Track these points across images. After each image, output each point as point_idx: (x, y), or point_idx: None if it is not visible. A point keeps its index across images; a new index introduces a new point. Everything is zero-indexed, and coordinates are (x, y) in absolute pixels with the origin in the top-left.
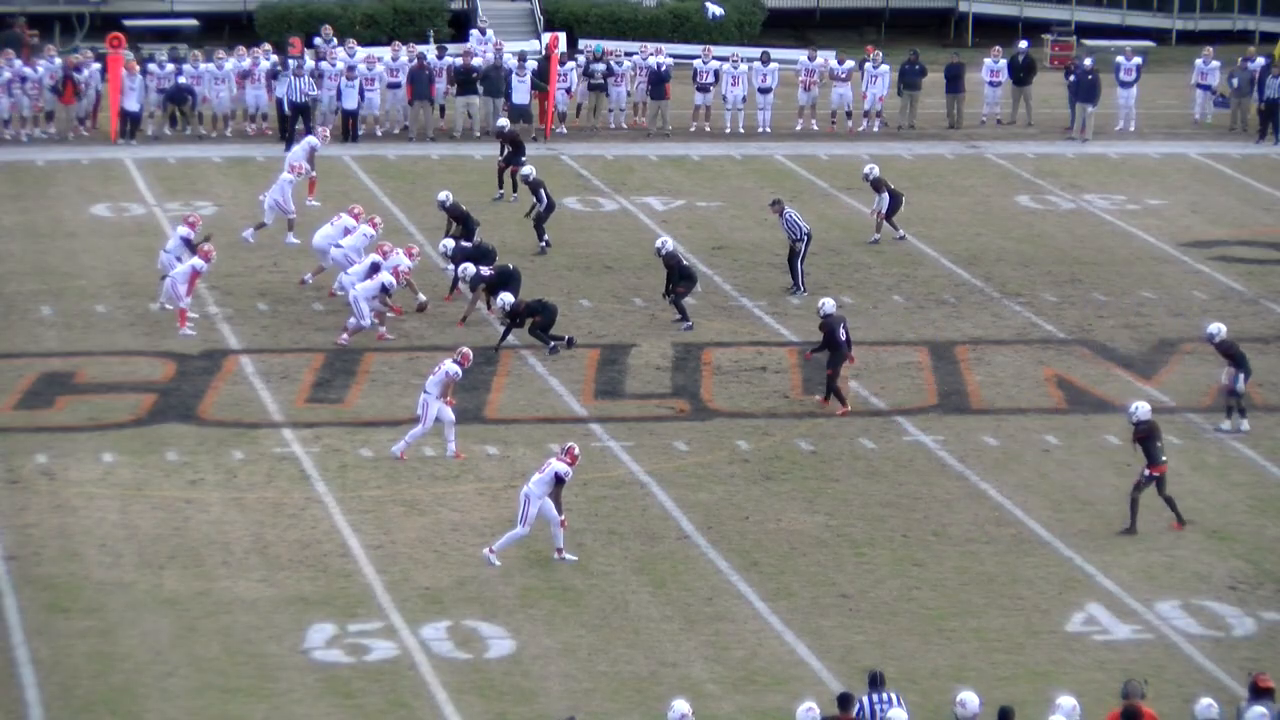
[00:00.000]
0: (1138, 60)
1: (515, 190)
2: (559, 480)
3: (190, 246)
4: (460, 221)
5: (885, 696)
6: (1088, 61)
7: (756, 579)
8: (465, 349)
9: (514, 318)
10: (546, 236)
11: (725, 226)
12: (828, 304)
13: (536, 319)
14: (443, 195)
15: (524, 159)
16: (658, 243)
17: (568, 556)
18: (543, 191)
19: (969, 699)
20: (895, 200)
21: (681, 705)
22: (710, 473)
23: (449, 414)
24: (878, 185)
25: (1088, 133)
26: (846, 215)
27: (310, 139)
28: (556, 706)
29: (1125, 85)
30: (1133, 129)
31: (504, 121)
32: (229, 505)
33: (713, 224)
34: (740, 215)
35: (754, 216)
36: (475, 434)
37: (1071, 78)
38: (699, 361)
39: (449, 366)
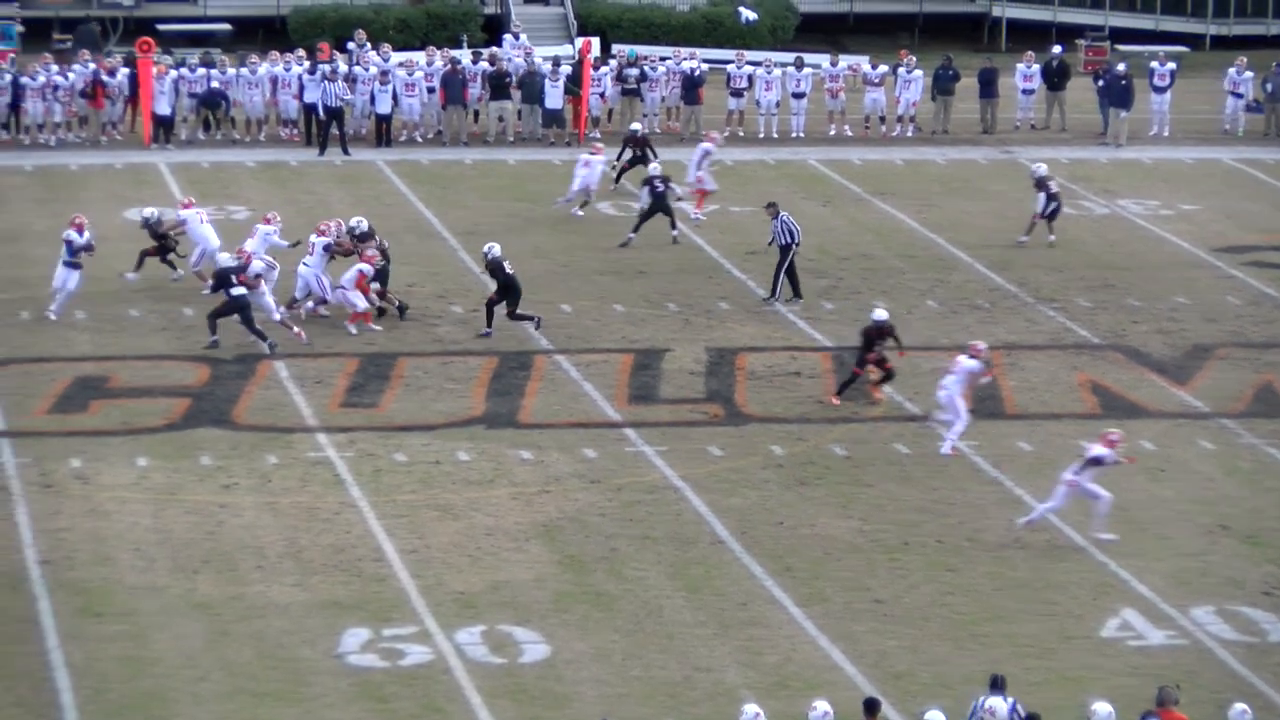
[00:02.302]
0: (1172, 65)
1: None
2: (1097, 462)
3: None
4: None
5: (987, 703)
6: (1120, 66)
7: (790, 584)
8: (979, 343)
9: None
10: (634, 236)
11: (758, 231)
12: (879, 312)
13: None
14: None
15: (654, 157)
16: (485, 248)
17: (1105, 536)
18: (649, 189)
19: (997, 706)
20: (1055, 204)
21: (752, 708)
22: (744, 478)
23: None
24: (1040, 184)
25: (1122, 138)
26: (879, 220)
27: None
28: (590, 712)
29: (1159, 90)
30: (1166, 134)
31: (636, 125)
32: (262, 510)
33: (746, 229)
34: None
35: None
36: (508, 439)
37: (1101, 82)
38: (733, 366)
39: (969, 364)
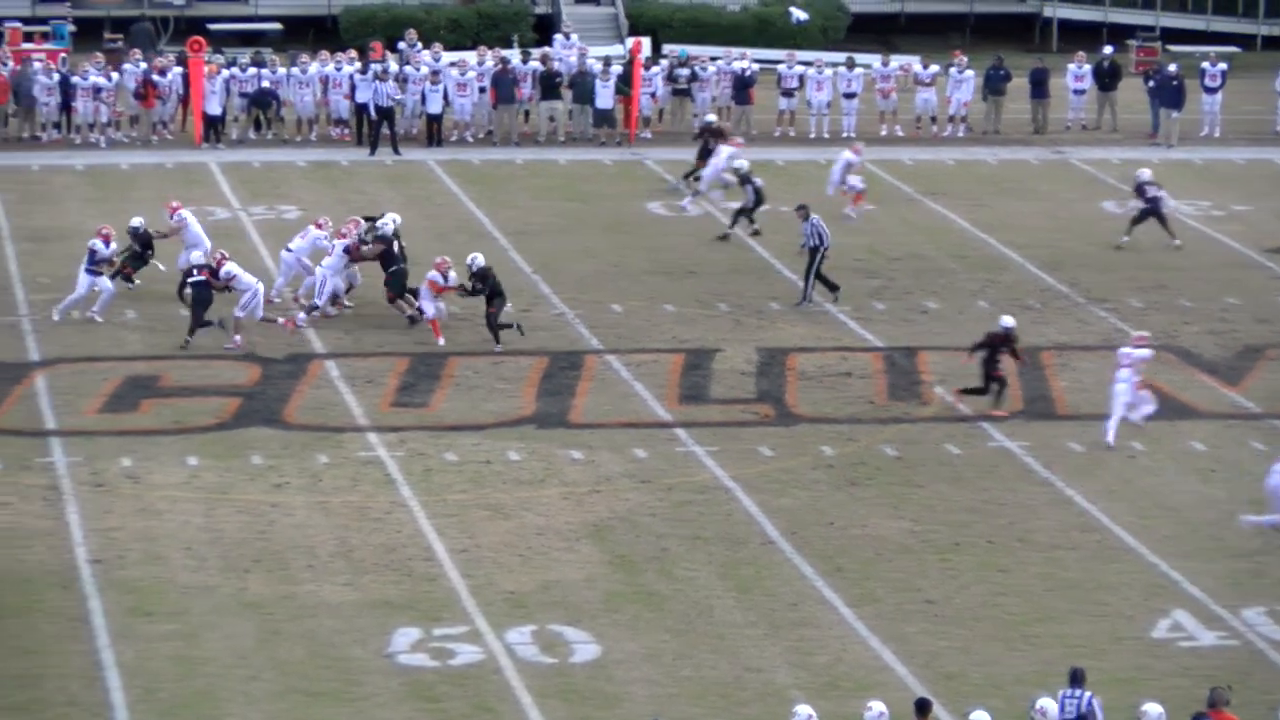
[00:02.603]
0: (1223, 66)
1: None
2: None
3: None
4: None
5: (1078, 693)
6: (1172, 67)
7: (840, 584)
8: (1142, 332)
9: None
10: (756, 225)
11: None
12: (1007, 320)
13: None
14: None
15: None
16: (469, 259)
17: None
18: (750, 186)
19: (1048, 706)
20: (1150, 207)
21: (804, 709)
22: (794, 478)
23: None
24: (1139, 190)
25: (1173, 139)
26: (930, 220)
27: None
28: (640, 712)
29: (1210, 91)
30: (1218, 135)
31: (712, 117)
32: (313, 509)
33: (797, 229)
34: (825, 221)
35: (837, 221)
36: (559, 439)
37: (1151, 83)
38: (783, 367)
39: (1140, 353)
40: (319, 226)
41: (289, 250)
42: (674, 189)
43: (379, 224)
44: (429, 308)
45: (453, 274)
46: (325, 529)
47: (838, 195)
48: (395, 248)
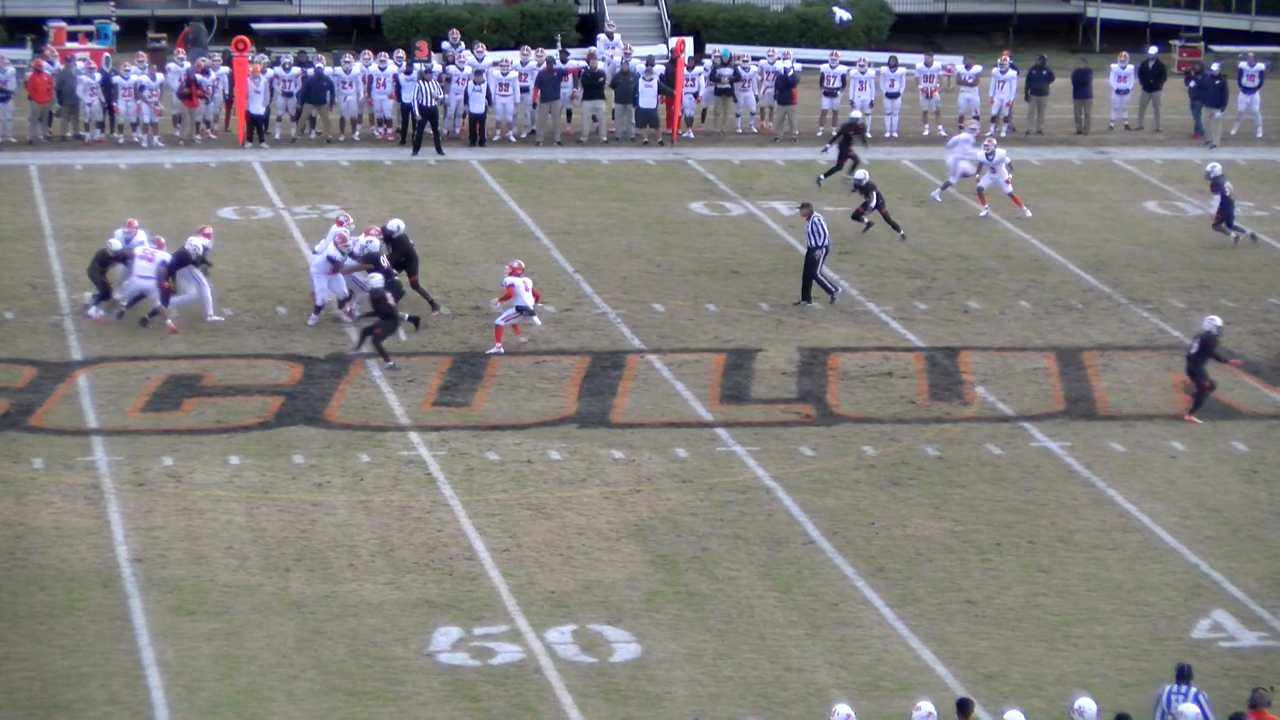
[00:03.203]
0: (1261, 66)
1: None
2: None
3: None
4: (405, 257)
5: (1185, 689)
6: (1214, 67)
7: (882, 585)
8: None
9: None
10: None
11: (851, 231)
12: (1213, 320)
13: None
14: (394, 225)
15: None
16: (391, 224)
17: None
18: (874, 194)
19: (1087, 706)
20: (1226, 204)
21: (844, 709)
22: (836, 478)
23: None
24: (1215, 186)
25: (1217, 138)
26: (974, 220)
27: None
28: (682, 711)
29: (1249, 91)
30: (1260, 135)
31: (856, 113)
32: (355, 508)
33: (839, 228)
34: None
35: (881, 222)
36: (600, 438)
37: (1193, 83)
38: (825, 367)
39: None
40: (340, 224)
41: (315, 253)
42: (825, 183)
43: (390, 226)
44: (507, 314)
45: (528, 281)
46: (367, 528)
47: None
48: (385, 259)
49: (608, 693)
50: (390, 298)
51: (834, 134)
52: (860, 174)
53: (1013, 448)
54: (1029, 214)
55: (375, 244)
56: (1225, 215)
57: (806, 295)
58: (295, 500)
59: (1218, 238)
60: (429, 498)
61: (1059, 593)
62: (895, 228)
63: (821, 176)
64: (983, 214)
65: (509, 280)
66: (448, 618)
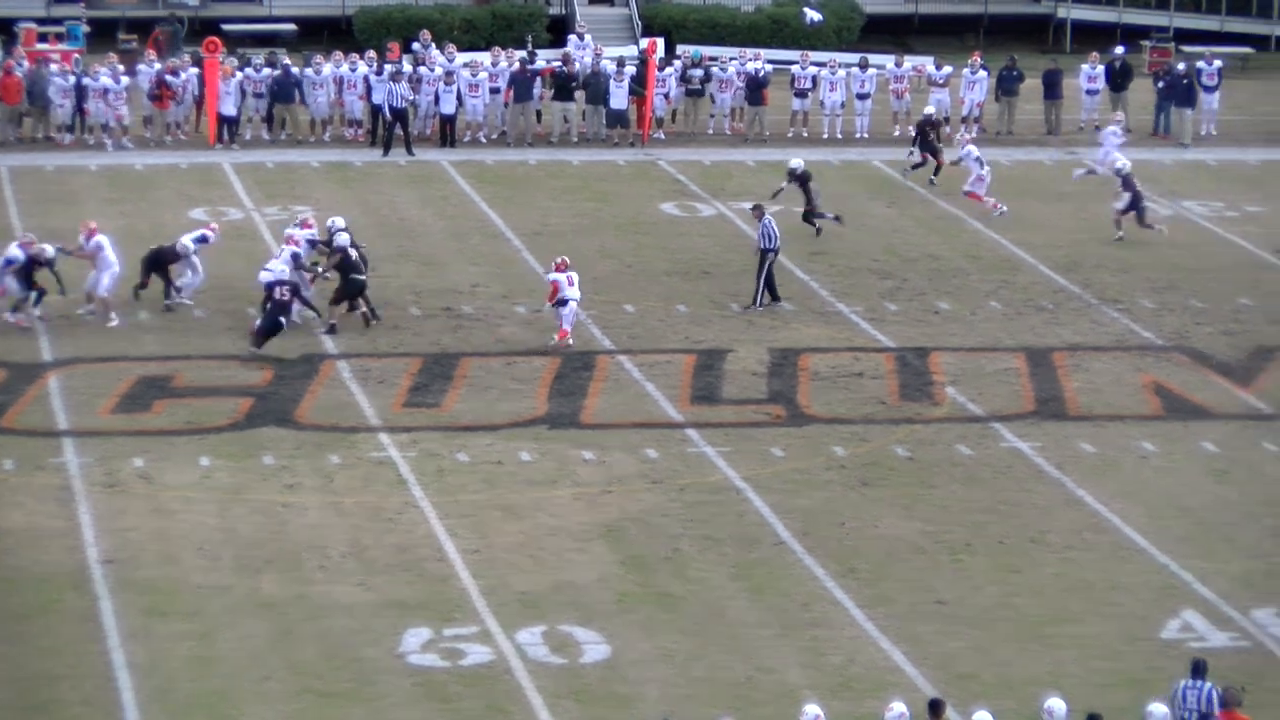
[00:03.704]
0: (1219, 64)
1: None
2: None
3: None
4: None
5: (1200, 684)
6: (1180, 66)
7: (853, 585)
8: None
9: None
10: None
11: (823, 233)
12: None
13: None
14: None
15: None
16: (329, 222)
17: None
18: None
19: (1056, 706)
20: (1137, 198)
21: (814, 709)
22: (807, 479)
23: None
24: (1125, 183)
25: (1187, 137)
26: (945, 221)
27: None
28: (653, 712)
29: (1208, 90)
30: (1214, 132)
31: (930, 109)
32: (326, 509)
33: (808, 230)
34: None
35: (851, 222)
36: (571, 439)
37: (1161, 84)
38: (796, 367)
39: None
40: (306, 226)
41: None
42: (930, 185)
43: (333, 234)
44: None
45: (573, 275)
46: (338, 529)
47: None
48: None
49: (579, 694)
50: (353, 255)
51: (913, 135)
52: (796, 163)
53: (983, 448)
54: (1004, 210)
55: (344, 237)
56: (1136, 209)
57: (774, 296)
58: (266, 501)
59: (1186, 237)
60: (400, 499)
61: (1030, 593)
62: (814, 223)
63: (932, 178)
64: (998, 212)
65: (553, 277)
66: (418, 619)
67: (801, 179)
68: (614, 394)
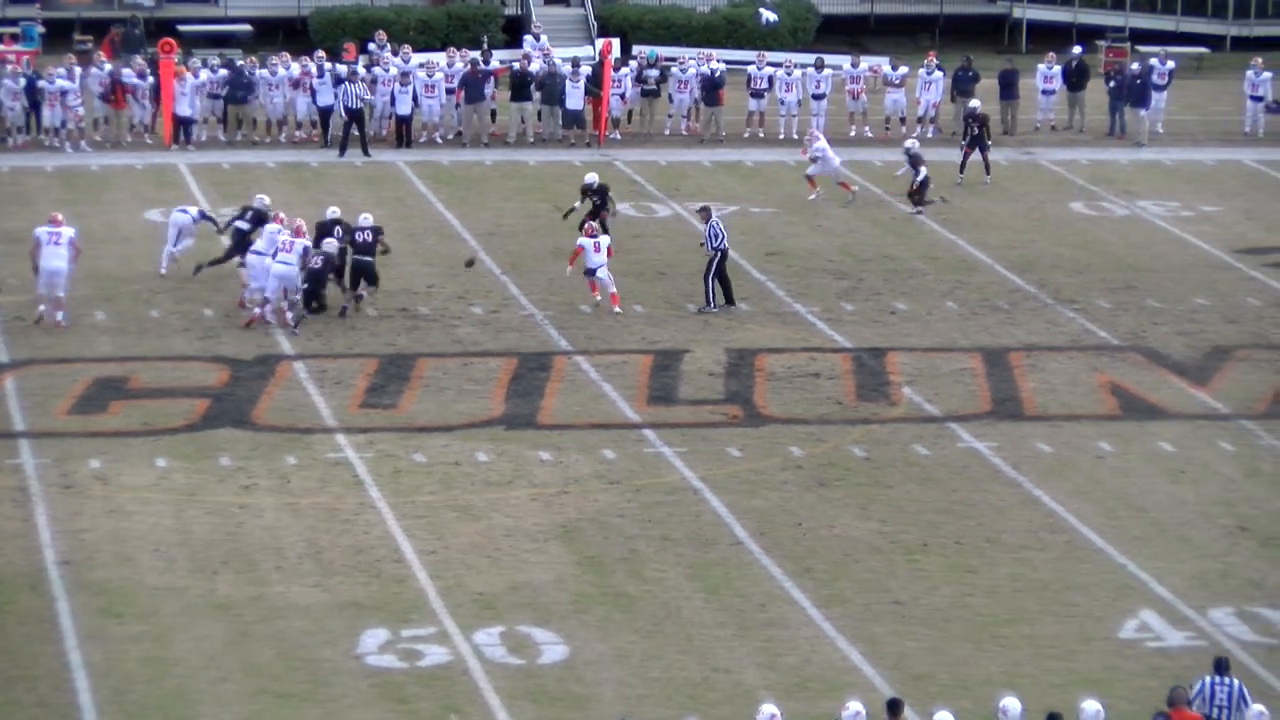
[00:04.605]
0: (1171, 64)
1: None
2: None
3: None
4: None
5: (1228, 680)
6: (1134, 66)
7: (809, 585)
8: None
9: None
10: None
11: (779, 232)
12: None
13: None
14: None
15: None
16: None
17: None
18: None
19: (1011, 705)
20: (925, 181)
21: (770, 709)
22: (763, 479)
23: None
24: (914, 161)
25: (1143, 137)
26: (901, 222)
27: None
28: (609, 712)
29: (1158, 89)
30: (1161, 131)
31: (975, 103)
32: (282, 511)
33: (766, 230)
34: (794, 221)
35: (808, 222)
36: (528, 440)
37: (1112, 84)
38: (752, 368)
39: None
40: (279, 221)
41: (256, 254)
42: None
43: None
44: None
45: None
46: (294, 530)
47: None
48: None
49: (535, 694)
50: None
51: (963, 130)
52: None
53: (940, 448)
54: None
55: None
56: (922, 188)
57: (729, 299)
58: (222, 502)
59: (1142, 237)
60: (356, 500)
61: (986, 593)
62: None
63: (987, 177)
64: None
65: (580, 241)
66: (375, 620)
67: (599, 192)
68: (571, 394)
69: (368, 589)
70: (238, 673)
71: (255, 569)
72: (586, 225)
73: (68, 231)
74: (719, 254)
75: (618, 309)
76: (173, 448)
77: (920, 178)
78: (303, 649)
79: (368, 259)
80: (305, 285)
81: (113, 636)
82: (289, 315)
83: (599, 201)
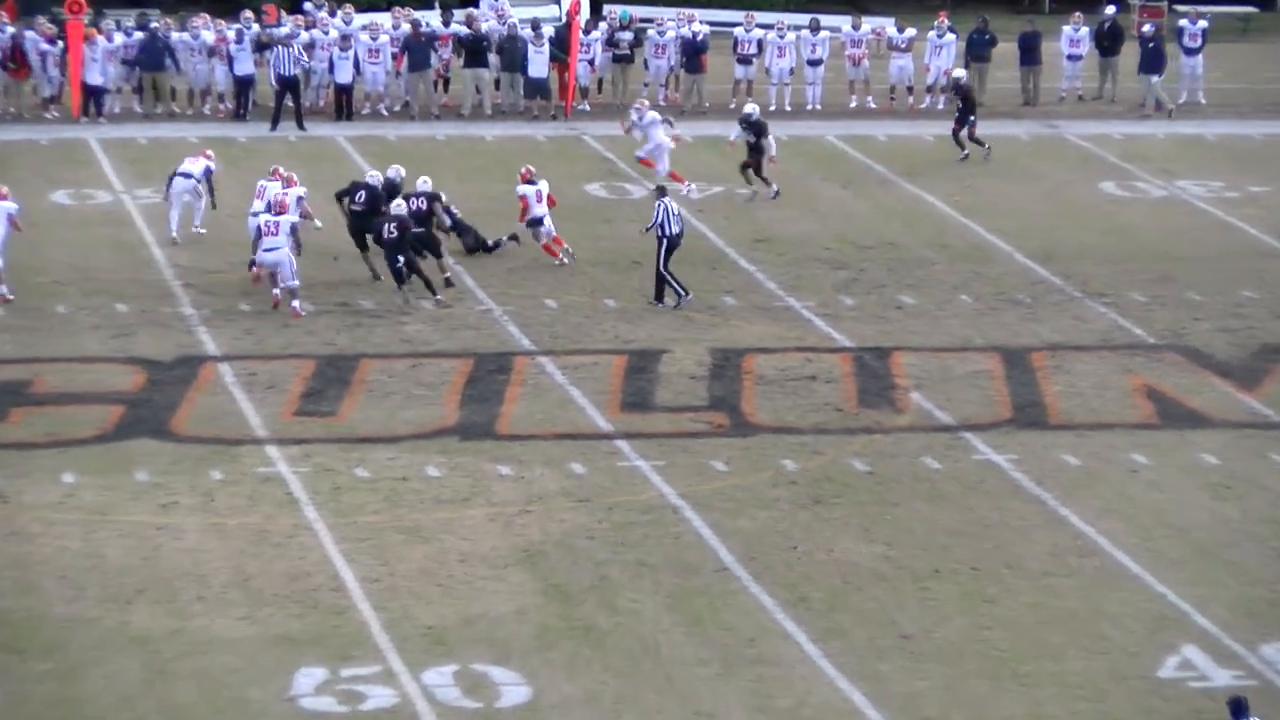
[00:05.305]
0: (1204, 24)
1: (964, 149)
2: None
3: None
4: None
5: None
6: (1147, 28)
7: (805, 617)
8: None
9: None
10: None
11: (769, 218)
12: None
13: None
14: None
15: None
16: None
17: None
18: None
19: None
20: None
21: None
22: (752, 496)
23: None
24: (959, 90)
25: (1150, 107)
26: (907, 204)
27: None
28: None
29: (1190, 53)
30: (1202, 100)
31: (960, 72)
32: (206, 532)
33: (755, 214)
34: (787, 205)
35: (801, 206)
36: (486, 452)
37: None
38: (739, 370)
39: None
40: (278, 178)
41: (252, 214)
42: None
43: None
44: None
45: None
46: (219, 555)
47: None
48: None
49: None
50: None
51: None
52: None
53: (953, 461)
54: (691, 188)
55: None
56: (965, 123)
57: (660, 293)
58: (138, 523)
59: (1180, 221)
60: (290, 520)
61: (1006, 625)
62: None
63: (985, 152)
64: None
65: (520, 190)
66: (312, 657)
67: (753, 127)
68: (534, 400)
69: (303, 621)
70: (155, 715)
71: (175, 598)
72: (525, 170)
73: None
74: (666, 241)
75: (559, 261)
76: (81, 461)
77: (971, 118)
78: (228, 689)
79: (422, 230)
80: (393, 263)
81: (14, 674)
82: (295, 305)
83: (752, 139)
